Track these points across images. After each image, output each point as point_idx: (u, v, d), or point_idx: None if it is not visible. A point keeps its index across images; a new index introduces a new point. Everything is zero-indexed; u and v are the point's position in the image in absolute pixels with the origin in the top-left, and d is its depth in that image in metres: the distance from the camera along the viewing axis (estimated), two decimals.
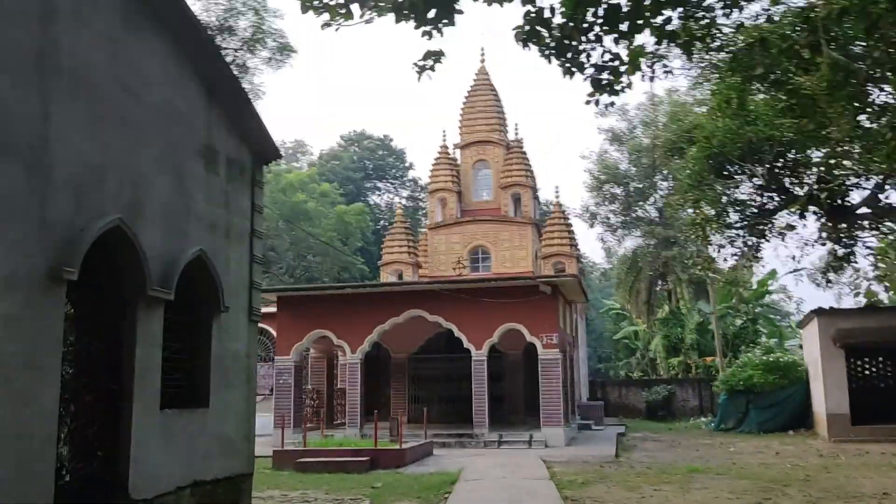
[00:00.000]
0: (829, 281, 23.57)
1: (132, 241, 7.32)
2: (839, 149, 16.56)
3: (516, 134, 33.58)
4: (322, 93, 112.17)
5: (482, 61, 34.85)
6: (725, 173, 20.52)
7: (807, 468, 15.75)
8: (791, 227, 19.71)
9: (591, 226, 40.97)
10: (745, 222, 22.56)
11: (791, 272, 34.71)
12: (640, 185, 41.26)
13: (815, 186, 18.25)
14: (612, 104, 10.23)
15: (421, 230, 37.88)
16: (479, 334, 21.19)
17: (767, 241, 21.68)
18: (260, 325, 26.98)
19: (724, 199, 21.94)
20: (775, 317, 39.97)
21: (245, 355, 9.81)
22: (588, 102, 10.17)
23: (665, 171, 38.46)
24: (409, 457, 16.70)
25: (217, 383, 8.98)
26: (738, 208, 22.37)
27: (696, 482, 13.69)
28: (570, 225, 31.33)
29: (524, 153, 32.99)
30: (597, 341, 56.45)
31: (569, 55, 7.95)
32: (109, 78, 7.34)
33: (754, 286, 36.77)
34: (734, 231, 23.14)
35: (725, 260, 23.31)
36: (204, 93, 9.03)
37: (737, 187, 21.12)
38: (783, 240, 22.25)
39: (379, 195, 60.02)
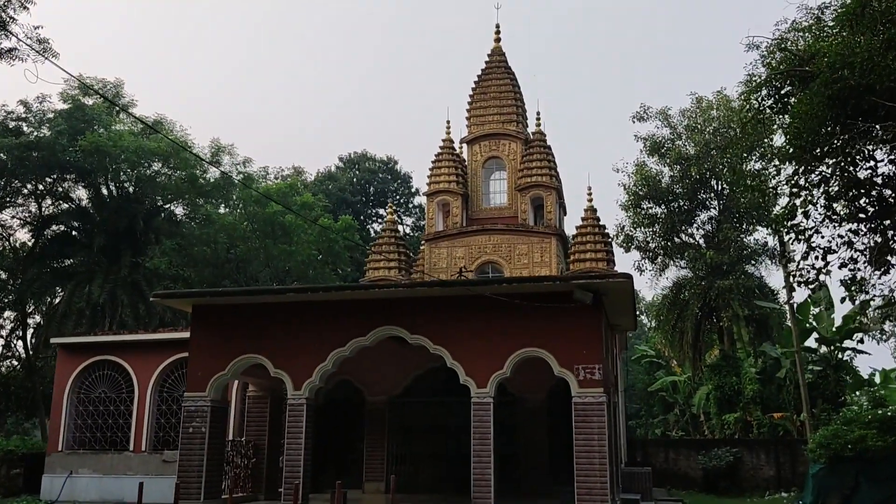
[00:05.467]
0: None
1: None
2: None
3: (538, 124, 26.91)
4: (327, 117, 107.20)
5: (497, 40, 28.44)
6: (852, 125, 13.51)
7: None
8: None
9: (627, 250, 33.84)
10: (874, 209, 15.58)
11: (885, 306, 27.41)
12: (685, 204, 34.29)
13: None
14: None
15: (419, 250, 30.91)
16: (482, 364, 14.15)
17: None
18: (180, 355, 20.06)
19: (844, 171, 15.01)
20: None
21: None
22: None
23: (723, 173, 31.50)
24: None
25: None
26: (863, 189, 15.38)
27: None
28: (606, 235, 24.35)
29: (548, 148, 26.26)
30: (625, 394, 48.92)
31: None
32: None
33: (836, 322, 29.43)
34: (852, 226, 16.20)
35: (841, 267, 16.05)
36: None
37: (877, 145, 14.12)
38: None
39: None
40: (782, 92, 14.91)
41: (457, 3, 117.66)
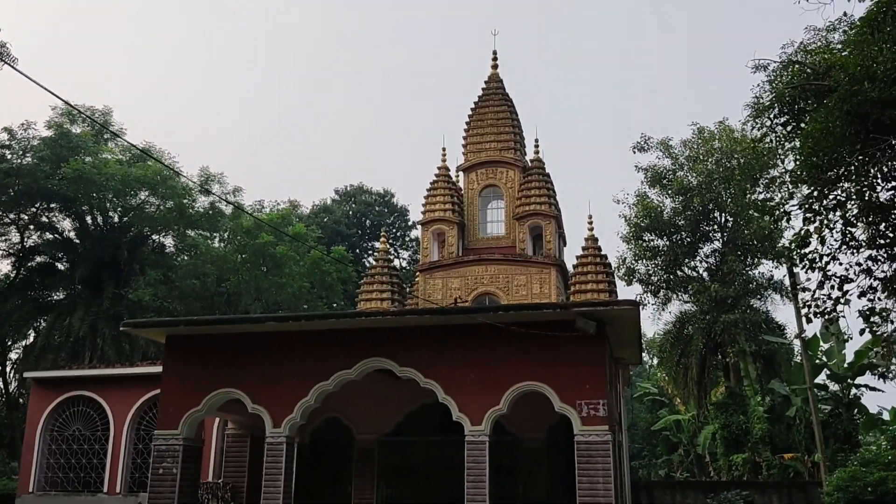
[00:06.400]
0: None
1: None
2: None
3: (536, 152, 26.06)
4: (323, 151, 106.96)
5: (494, 66, 27.75)
6: (874, 141, 12.57)
7: None
8: None
9: (629, 283, 32.88)
10: (894, 235, 14.58)
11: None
12: (688, 237, 33.38)
13: None
14: None
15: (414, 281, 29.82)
16: (476, 399, 13.07)
17: None
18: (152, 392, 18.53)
19: (862, 193, 14.06)
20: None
21: None
22: None
23: (727, 204, 30.72)
24: None
25: None
26: (884, 213, 14.43)
27: None
28: (608, 265, 23.34)
29: (546, 176, 25.38)
30: (628, 433, 47.45)
31: None
32: None
33: (848, 357, 28.27)
34: (871, 252, 15.20)
35: (860, 296, 15.03)
36: None
37: None
38: None
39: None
40: (796, 109, 14.00)
41: (455, 31, 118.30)
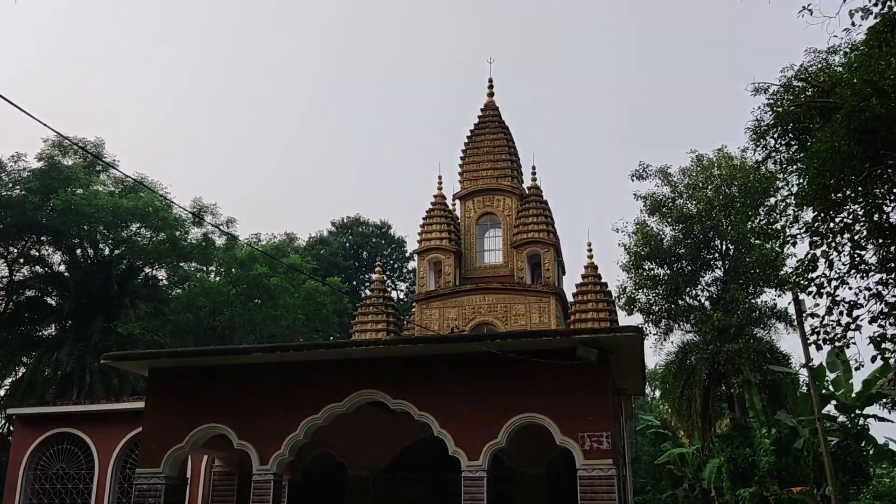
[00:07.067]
0: None
1: None
2: None
3: (533, 179, 25.66)
4: (320, 182, 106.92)
5: (490, 94, 27.48)
6: (884, 157, 12.14)
7: None
8: None
9: (630, 313, 32.30)
10: None
11: None
12: (688, 266, 32.86)
13: None
14: None
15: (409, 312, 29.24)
16: (473, 433, 12.45)
17: None
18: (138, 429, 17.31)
19: (870, 214, 13.59)
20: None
21: None
22: None
23: (728, 231, 30.30)
24: None
25: None
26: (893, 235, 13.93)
27: None
28: (608, 294, 22.81)
29: (544, 203, 24.96)
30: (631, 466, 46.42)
31: None
32: None
33: (856, 387, 27.54)
34: (882, 276, 14.68)
35: (871, 321, 14.47)
36: None
37: None
38: None
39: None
40: (799, 128, 13.58)
41: (451, 60, 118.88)
